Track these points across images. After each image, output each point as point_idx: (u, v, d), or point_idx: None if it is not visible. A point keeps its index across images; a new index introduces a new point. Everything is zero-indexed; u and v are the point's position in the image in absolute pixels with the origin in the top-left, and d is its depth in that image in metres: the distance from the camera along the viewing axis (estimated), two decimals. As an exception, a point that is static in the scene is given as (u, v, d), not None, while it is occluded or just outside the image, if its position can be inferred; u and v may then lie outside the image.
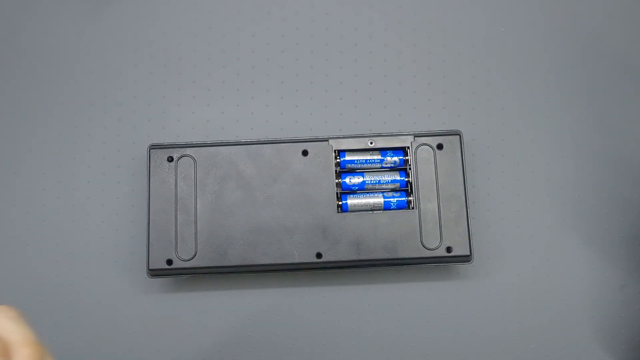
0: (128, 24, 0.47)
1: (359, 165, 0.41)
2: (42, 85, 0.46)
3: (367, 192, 0.40)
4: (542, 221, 0.44)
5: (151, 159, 0.41)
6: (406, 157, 0.40)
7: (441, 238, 0.39)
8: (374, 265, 0.40)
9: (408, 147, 0.40)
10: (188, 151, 0.41)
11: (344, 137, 0.40)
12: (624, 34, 0.47)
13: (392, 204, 0.40)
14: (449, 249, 0.39)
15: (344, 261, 0.39)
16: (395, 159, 0.40)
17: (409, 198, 0.40)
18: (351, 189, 0.40)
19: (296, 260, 0.39)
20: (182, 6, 0.47)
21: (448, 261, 0.39)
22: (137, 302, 0.42)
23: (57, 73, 0.46)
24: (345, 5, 0.47)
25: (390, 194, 0.40)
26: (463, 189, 0.40)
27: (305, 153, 0.40)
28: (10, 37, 0.47)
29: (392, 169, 0.41)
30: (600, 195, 0.44)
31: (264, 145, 0.41)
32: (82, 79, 0.46)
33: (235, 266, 0.39)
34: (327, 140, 0.40)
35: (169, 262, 0.39)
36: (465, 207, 0.39)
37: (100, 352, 0.42)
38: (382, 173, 0.40)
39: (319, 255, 0.39)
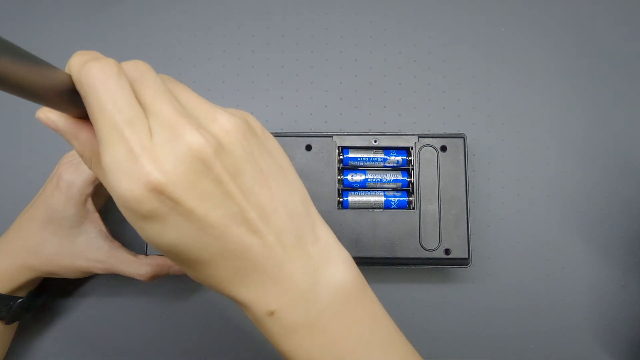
0: (128, 24, 0.47)
1: (362, 163, 0.40)
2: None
3: (369, 190, 0.40)
4: (542, 221, 0.44)
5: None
6: (409, 158, 0.40)
7: (440, 240, 0.39)
8: (372, 264, 0.40)
9: (412, 148, 0.40)
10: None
11: (348, 134, 0.40)
12: (624, 34, 0.47)
13: (392, 203, 0.40)
14: (447, 251, 0.39)
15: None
16: (399, 158, 0.40)
17: (410, 198, 0.40)
18: (353, 186, 0.40)
19: None
20: (182, 6, 0.47)
21: (446, 263, 0.39)
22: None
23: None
24: (345, 5, 0.47)
25: (392, 193, 0.40)
26: (464, 192, 0.39)
27: (308, 148, 0.40)
28: (10, 37, 0.46)
29: (394, 169, 0.41)
30: (600, 195, 0.44)
31: None
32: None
33: None
34: (331, 137, 0.40)
35: None
36: (465, 210, 0.39)
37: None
38: (385, 172, 0.40)
39: None
